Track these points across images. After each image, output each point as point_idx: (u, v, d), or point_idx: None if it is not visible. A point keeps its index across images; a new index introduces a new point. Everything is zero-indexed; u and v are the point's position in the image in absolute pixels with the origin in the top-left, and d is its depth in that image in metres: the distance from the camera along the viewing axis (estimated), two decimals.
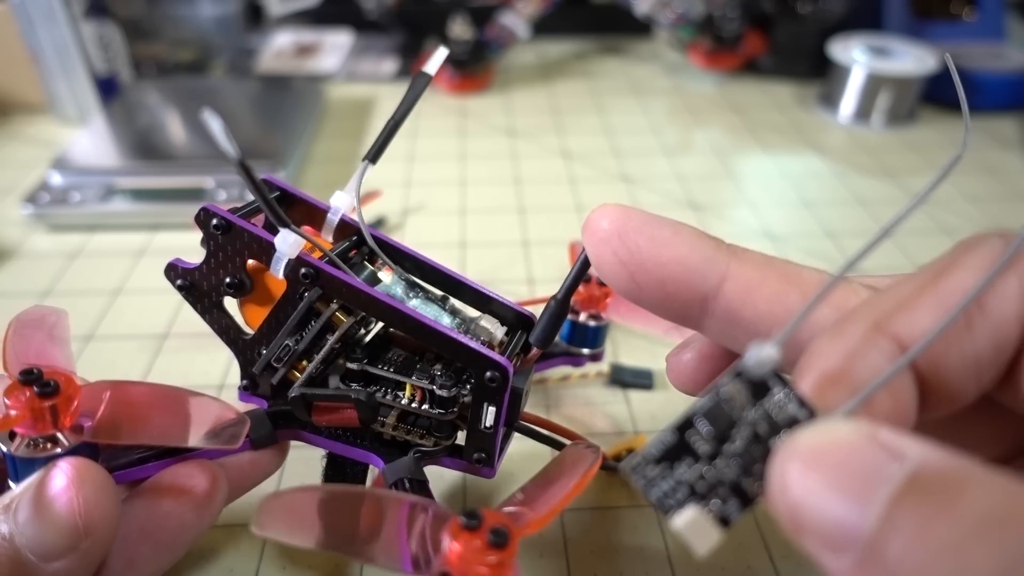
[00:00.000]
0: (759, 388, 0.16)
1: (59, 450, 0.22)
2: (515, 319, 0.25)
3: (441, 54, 0.26)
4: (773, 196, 0.55)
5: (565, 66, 0.79)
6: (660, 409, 0.36)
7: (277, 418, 0.26)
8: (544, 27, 0.75)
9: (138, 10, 0.77)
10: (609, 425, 0.35)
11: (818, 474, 0.14)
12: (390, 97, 0.70)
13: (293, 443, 0.27)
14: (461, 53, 0.68)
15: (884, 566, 0.13)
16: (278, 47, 0.77)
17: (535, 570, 0.28)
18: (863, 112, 0.65)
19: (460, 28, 0.68)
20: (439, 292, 0.26)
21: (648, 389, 0.37)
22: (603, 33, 0.85)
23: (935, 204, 0.54)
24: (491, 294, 0.26)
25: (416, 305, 0.25)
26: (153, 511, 0.23)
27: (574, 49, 0.83)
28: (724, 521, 0.16)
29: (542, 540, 0.29)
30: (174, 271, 0.25)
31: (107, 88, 0.63)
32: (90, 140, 0.56)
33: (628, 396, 0.37)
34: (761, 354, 0.15)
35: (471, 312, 0.26)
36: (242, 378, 0.26)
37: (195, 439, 0.22)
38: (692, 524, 0.16)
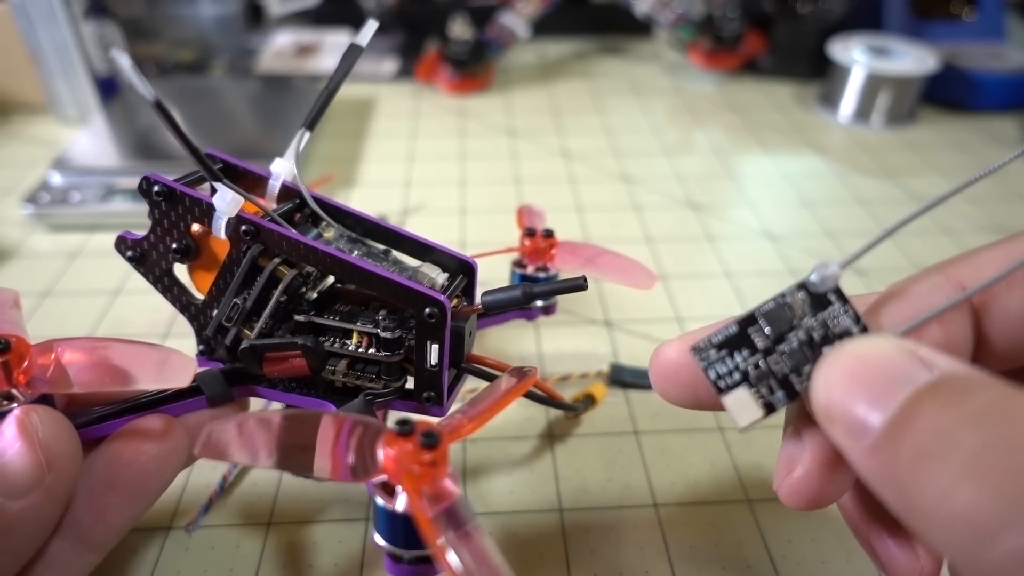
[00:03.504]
0: (820, 301, 0.18)
1: (15, 405, 0.22)
2: (457, 266, 0.27)
3: (371, 26, 0.27)
4: (773, 196, 0.55)
5: (565, 66, 0.79)
6: (660, 409, 0.36)
7: (232, 377, 0.26)
8: (544, 27, 0.75)
9: (138, 10, 0.77)
10: (608, 424, 0.35)
11: (855, 375, 0.16)
12: (390, 97, 0.70)
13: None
14: (461, 53, 0.68)
15: (894, 448, 0.15)
16: (278, 47, 0.77)
17: (535, 569, 0.28)
18: (863, 112, 0.65)
19: (460, 28, 0.68)
20: (381, 246, 0.27)
21: (648, 389, 0.37)
22: (603, 33, 0.85)
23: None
24: (432, 244, 0.27)
25: (358, 258, 0.25)
26: (114, 462, 0.23)
27: (574, 49, 0.83)
28: (770, 407, 0.19)
29: (542, 539, 0.29)
30: (124, 243, 0.26)
31: (107, 88, 0.63)
32: (90, 140, 0.56)
33: (628, 396, 0.37)
34: (826, 271, 0.18)
35: (413, 262, 0.27)
36: (198, 343, 0.27)
37: (145, 381, 0.22)
38: (739, 401, 0.19)
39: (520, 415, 0.35)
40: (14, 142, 0.61)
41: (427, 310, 0.23)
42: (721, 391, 0.19)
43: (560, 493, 0.31)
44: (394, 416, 0.30)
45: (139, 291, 0.44)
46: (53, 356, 0.22)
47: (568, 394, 0.36)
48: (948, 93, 0.67)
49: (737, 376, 0.19)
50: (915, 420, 0.15)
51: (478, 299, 0.27)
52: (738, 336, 0.19)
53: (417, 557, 0.20)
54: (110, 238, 0.51)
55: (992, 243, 0.19)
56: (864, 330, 0.18)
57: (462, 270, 0.27)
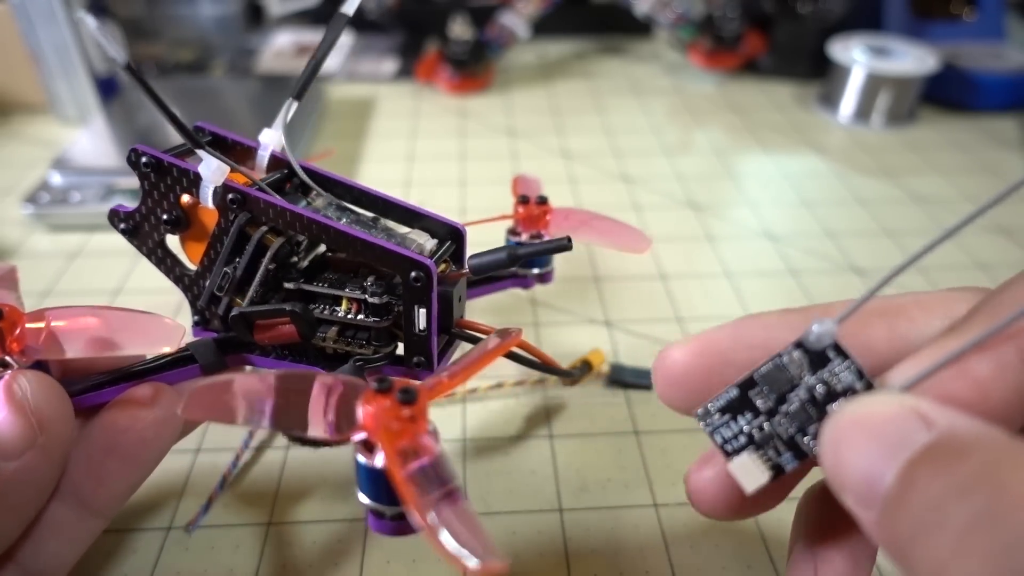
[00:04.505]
0: (819, 358, 0.17)
1: (8, 372, 0.22)
2: (446, 232, 0.26)
3: None
4: (773, 196, 0.55)
5: (565, 66, 0.79)
6: (660, 409, 0.36)
7: (225, 345, 0.26)
8: (544, 27, 0.75)
9: (138, 10, 0.77)
10: (608, 424, 0.35)
11: (858, 440, 0.15)
12: (390, 97, 0.70)
13: None
14: (461, 53, 0.68)
15: (894, 522, 0.14)
16: (278, 47, 0.77)
17: (535, 569, 0.28)
18: (863, 112, 0.65)
19: (460, 28, 0.68)
20: (370, 214, 0.27)
21: (648, 389, 0.37)
22: (603, 33, 0.85)
23: (935, 204, 0.54)
24: (421, 210, 0.27)
25: (346, 225, 0.26)
26: (112, 428, 0.24)
27: (574, 49, 0.83)
28: (778, 468, 0.18)
29: (541, 539, 0.30)
30: (116, 216, 0.26)
31: (107, 88, 0.63)
32: (90, 140, 0.56)
33: (628, 396, 0.37)
34: (822, 329, 0.17)
35: (403, 229, 0.27)
36: (193, 314, 0.27)
37: (134, 346, 0.23)
38: (743, 466, 0.18)
39: (520, 415, 0.35)
40: (14, 142, 0.61)
41: (413, 274, 0.23)
42: (728, 455, 0.19)
43: (560, 493, 0.31)
44: None
45: (139, 291, 0.44)
46: (45, 323, 0.22)
47: (566, 395, 0.36)
48: (948, 93, 0.67)
49: (743, 439, 0.18)
50: (911, 489, 0.14)
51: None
52: (739, 399, 0.19)
53: (399, 513, 0.20)
54: (110, 238, 0.51)
55: None
56: (869, 386, 0.17)
57: (451, 236, 0.26)
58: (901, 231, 0.51)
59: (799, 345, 0.18)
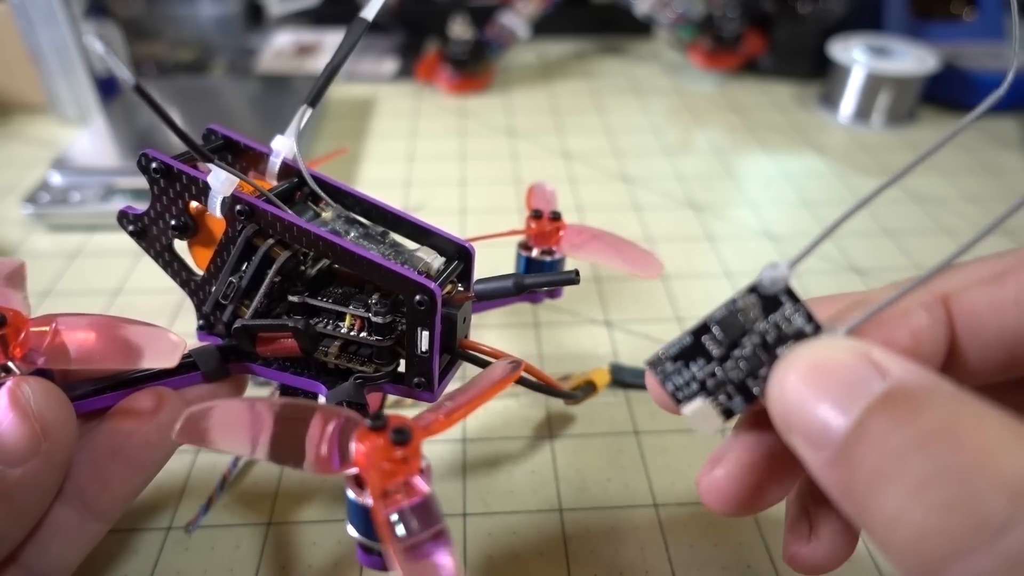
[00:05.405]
0: (772, 303, 0.18)
1: (11, 378, 0.22)
2: (454, 251, 0.26)
3: (378, 1, 0.26)
4: (773, 196, 0.55)
5: (565, 66, 0.79)
6: (660, 409, 0.36)
7: (228, 353, 0.26)
8: (544, 27, 0.75)
9: (138, 10, 0.77)
10: (608, 424, 0.35)
11: (811, 382, 0.16)
12: (390, 97, 0.70)
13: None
14: (461, 53, 0.68)
15: (850, 464, 0.15)
16: (278, 47, 0.77)
17: (535, 569, 0.28)
18: (863, 112, 0.65)
19: (460, 28, 0.68)
20: (379, 228, 0.27)
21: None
22: (603, 33, 0.85)
23: (935, 204, 0.54)
24: (430, 227, 0.26)
25: (354, 239, 0.25)
26: (116, 432, 0.24)
27: (574, 49, 0.83)
28: (728, 413, 0.18)
29: (542, 539, 0.30)
30: (125, 217, 0.26)
31: (107, 88, 0.63)
32: (90, 140, 0.56)
33: (628, 396, 0.37)
34: (775, 273, 0.18)
35: (411, 245, 0.26)
36: (198, 318, 0.27)
37: (137, 359, 0.23)
38: (698, 412, 0.19)
39: (520, 415, 0.35)
40: (14, 142, 0.61)
41: (417, 297, 0.23)
42: (679, 402, 0.19)
43: (560, 493, 0.31)
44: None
45: (139, 291, 0.44)
46: (50, 330, 0.22)
47: None
48: (948, 93, 0.67)
49: (695, 386, 0.19)
50: (868, 436, 0.14)
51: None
52: (692, 346, 0.19)
53: None
54: (110, 238, 0.51)
55: (984, 256, 0.19)
56: (817, 329, 0.17)
57: (459, 255, 0.26)
58: (901, 231, 0.51)
59: (753, 289, 0.18)
